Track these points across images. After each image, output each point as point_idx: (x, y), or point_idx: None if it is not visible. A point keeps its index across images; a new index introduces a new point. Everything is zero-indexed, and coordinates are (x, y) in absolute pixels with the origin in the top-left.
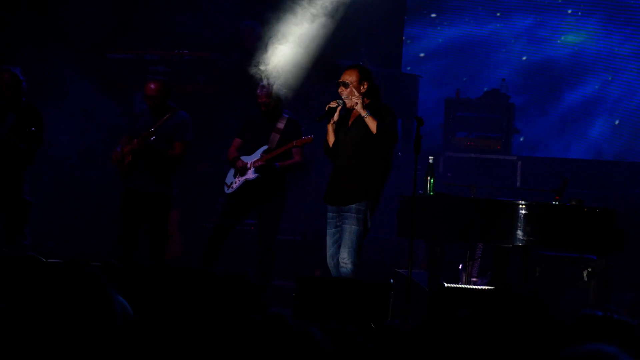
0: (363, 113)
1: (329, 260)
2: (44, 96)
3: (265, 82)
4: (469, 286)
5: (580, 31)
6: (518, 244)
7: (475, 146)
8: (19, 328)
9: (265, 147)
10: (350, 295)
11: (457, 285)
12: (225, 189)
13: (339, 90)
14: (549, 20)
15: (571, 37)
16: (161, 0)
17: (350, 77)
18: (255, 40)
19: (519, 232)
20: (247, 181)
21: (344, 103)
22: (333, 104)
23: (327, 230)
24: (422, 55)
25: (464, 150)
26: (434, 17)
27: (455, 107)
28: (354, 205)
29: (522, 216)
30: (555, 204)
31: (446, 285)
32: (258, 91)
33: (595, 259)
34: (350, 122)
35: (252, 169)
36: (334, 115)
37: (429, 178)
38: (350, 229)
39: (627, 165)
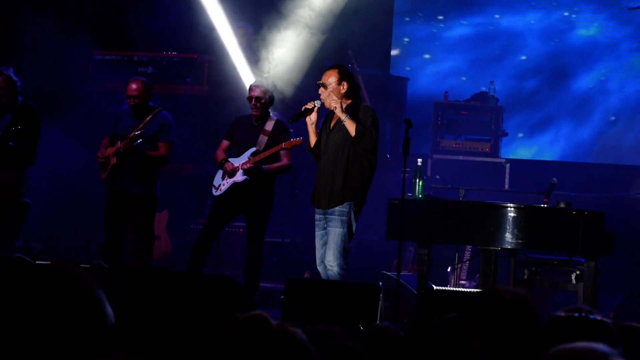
0: (342, 117)
1: (318, 262)
2: (34, 97)
3: (259, 79)
4: (457, 289)
5: (581, 29)
6: (506, 247)
7: (463, 149)
8: (4, 329)
9: (254, 149)
10: (339, 298)
11: (446, 288)
12: (213, 191)
13: (319, 92)
14: (549, 18)
15: (575, 34)
16: (151, 0)
17: (329, 77)
18: (248, 41)
19: (508, 235)
20: (235, 183)
21: (322, 104)
22: (309, 105)
23: (316, 233)
24: (427, 56)
25: (453, 153)
26: (440, 19)
27: (444, 109)
28: (337, 208)
29: (510, 218)
30: (543, 206)
31: (435, 287)
32: (252, 86)
33: (584, 262)
34: (332, 124)
35: (241, 171)
36: (310, 116)
37: (417, 180)
38: (335, 231)
39: (615, 168)
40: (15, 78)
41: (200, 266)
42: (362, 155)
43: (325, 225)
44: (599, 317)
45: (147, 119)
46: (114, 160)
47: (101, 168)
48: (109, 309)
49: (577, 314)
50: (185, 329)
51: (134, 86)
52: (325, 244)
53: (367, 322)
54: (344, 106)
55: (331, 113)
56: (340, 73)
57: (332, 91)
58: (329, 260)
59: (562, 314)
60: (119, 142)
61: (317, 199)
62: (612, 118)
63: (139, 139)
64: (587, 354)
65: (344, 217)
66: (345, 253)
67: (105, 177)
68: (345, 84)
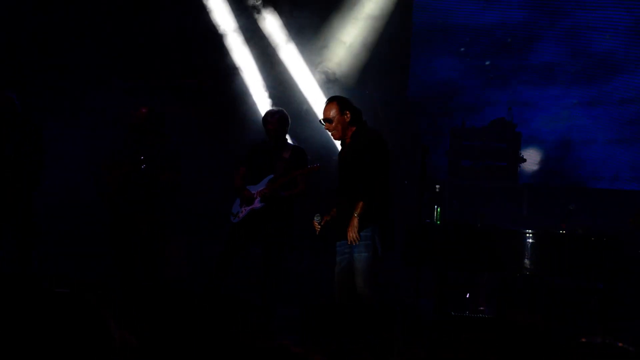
0: (355, 222)
1: (336, 290)
2: (50, 121)
3: (275, 109)
4: (475, 315)
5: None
6: (525, 272)
7: (481, 174)
8: (15, 350)
9: (271, 176)
10: (356, 323)
11: (464, 314)
12: (232, 218)
13: (325, 127)
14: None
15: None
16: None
17: (330, 111)
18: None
19: (526, 261)
20: (253, 210)
21: (322, 219)
22: (316, 226)
23: (337, 258)
24: (491, 75)
25: (471, 179)
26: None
27: (461, 136)
28: (360, 234)
29: (529, 244)
30: (562, 232)
31: (452, 313)
32: (268, 117)
33: (603, 287)
34: (344, 154)
35: (258, 198)
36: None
37: (435, 206)
38: (360, 256)
39: (635, 194)
40: (17, 102)
41: (217, 291)
42: (373, 183)
43: (347, 250)
44: (619, 344)
45: (152, 144)
46: (122, 185)
47: (106, 191)
48: (115, 333)
49: (600, 341)
50: (204, 353)
51: (143, 110)
52: (343, 269)
53: (384, 348)
54: (349, 134)
55: (342, 145)
56: (339, 104)
57: (338, 123)
58: (359, 285)
59: (582, 339)
60: (125, 166)
61: (338, 230)
62: None
63: (142, 165)
64: None
65: (368, 242)
66: (374, 276)
67: (113, 199)
68: (347, 113)
